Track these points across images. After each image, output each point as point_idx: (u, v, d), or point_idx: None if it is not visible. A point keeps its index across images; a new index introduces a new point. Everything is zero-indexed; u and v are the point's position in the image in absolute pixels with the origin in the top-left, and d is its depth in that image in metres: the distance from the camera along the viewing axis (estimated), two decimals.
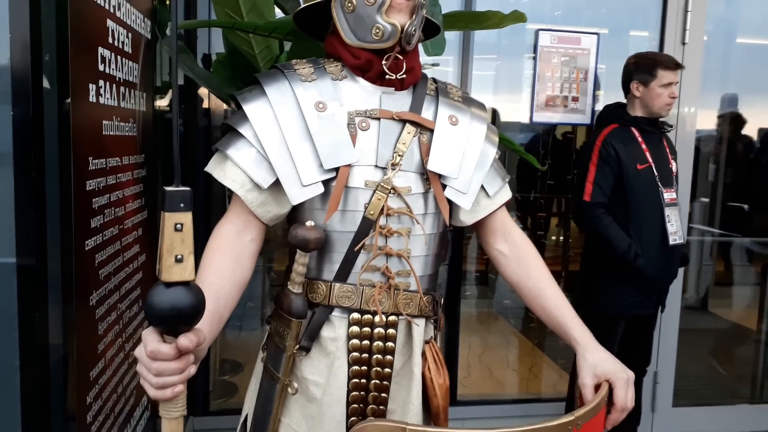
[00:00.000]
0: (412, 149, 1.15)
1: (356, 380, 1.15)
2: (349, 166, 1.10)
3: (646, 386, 2.92)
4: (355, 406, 1.16)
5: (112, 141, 1.49)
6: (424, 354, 1.20)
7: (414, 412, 1.17)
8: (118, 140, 1.53)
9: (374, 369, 1.16)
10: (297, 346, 1.13)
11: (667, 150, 2.44)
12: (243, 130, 1.11)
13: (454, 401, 2.97)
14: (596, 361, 1.12)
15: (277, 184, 1.10)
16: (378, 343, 1.15)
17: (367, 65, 1.15)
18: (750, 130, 3.73)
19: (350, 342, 1.14)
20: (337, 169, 1.09)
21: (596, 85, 2.83)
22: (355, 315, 1.14)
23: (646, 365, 2.62)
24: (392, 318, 1.15)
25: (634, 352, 2.52)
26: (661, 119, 2.44)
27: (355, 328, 1.14)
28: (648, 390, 2.98)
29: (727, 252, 3.98)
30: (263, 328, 1.25)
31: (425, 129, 1.17)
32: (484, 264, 3.88)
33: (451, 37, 2.67)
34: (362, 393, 1.16)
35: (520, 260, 1.28)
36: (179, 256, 0.78)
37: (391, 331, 1.15)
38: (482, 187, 1.24)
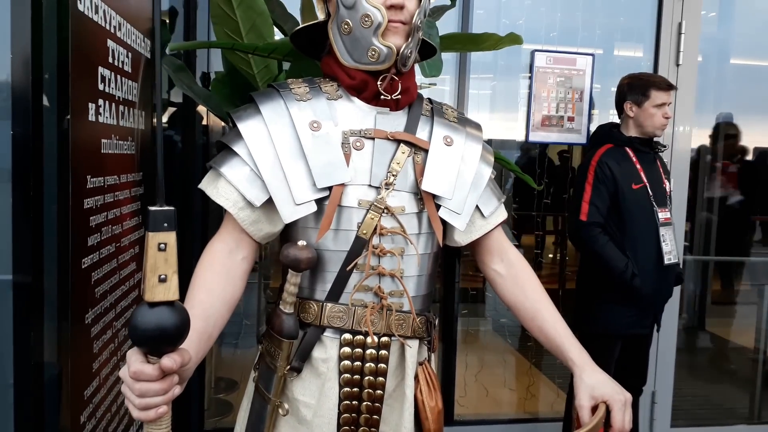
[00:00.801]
0: (407, 169, 1.16)
1: (347, 402, 1.14)
2: (343, 185, 1.11)
3: (643, 406, 2.91)
4: (347, 428, 1.15)
5: (111, 159, 1.50)
6: (417, 376, 1.19)
7: None
8: (116, 158, 1.54)
9: (366, 391, 1.15)
10: (288, 367, 1.13)
11: (661, 170, 2.47)
12: (237, 148, 1.12)
13: (451, 421, 2.96)
14: (594, 383, 1.12)
15: (270, 203, 1.10)
16: (370, 365, 1.14)
17: (363, 86, 1.16)
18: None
19: (342, 363, 1.13)
20: (330, 188, 1.10)
21: (591, 105, 2.86)
22: (347, 336, 1.13)
23: (643, 384, 2.62)
24: (384, 339, 1.14)
25: (630, 371, 2.52)
26: (655, 139, 2.46)
27: (346, 349, 1.13)
28: (646, 410, 2.97)
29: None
30: (259, 346, 1.24)
31: (420, 149, 1.18)
32: (481, 282, 3.88)
33: (448, 56, 2.70)
34: (354, 415, 1.15)
35: (516, 280, 1.28)
36: (163, 276, 0.78)
37: (383, 352, 1.15)
38: (477, 207, 1.24)
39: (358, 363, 1.14)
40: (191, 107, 2.64)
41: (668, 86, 2.38)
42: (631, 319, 2.38)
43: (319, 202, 1.10)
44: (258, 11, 1.78)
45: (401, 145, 1.16)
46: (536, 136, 2.81)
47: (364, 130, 1.15)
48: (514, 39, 1.90)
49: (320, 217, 1.11)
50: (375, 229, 1.11)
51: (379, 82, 1.14)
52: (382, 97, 1.16)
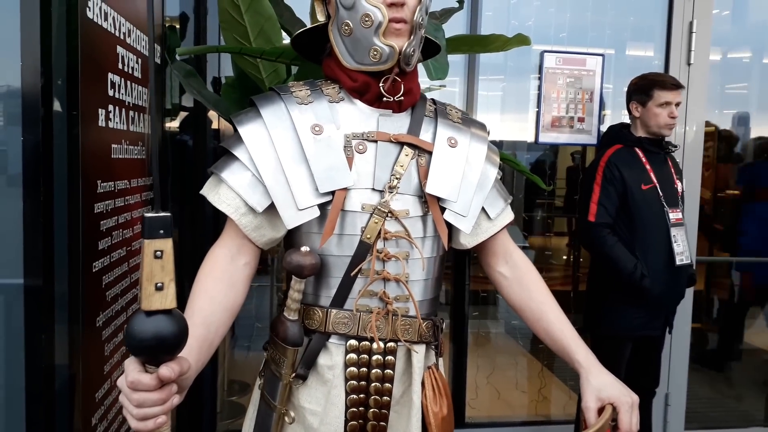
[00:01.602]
0: (410, 172, 1.14)
1: (354, 409, 1.13)
2: (346, 189, 1.09)
3: (657, 409, 2.88)
4: None
5: (121, 164, 1.52)
6: (423, 381, 1.17)
7: None
8: (126, 163, 1.56)
9: (373, 398, 1.13)
10: (293, 375, 1.12)
11: (672, 170, 2.44)
12: (238, 152, 1.11)
13: (462, 424, 2.95)
14: (600, 385, 1.12)
15: (272, 208, 1.09)
16: (376, 371, 1.13)
17: (365, 88, 1.14)
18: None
19: (348, 370, 1.12)
20: (333, 193, 1.09)
21: (602, 106, 2.84)
22: (353, 342, 1.12)
23: (655, 386, 2.59)
24: (391, 345, 1.13)
25: (642, 373, 2.49)
26: (666, 139, 2.44)
27: (352, 356, 1.12)
28: (659, 413, 2.94)
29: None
30: (264, 353, 1.24)
31: (424, 151, 1.16)
32: (490, 284, 3.87)
33: (457, 58, 2.70)
34: (360, 422, 1.13)
35: (522, 282, 1.28)
36: (159, 284, 0.77)
37: (389, 358, 1.13)
38: (483, 209, 1.23)
39: (364, 369, 1.12)
40: (202, 112, 2.67)
41: (673, 85, 2.36)
42: (642, 320, 2.36)
43: (322, 206, 1.09)
44: (266, 16, 1.79)
45: (404, 147, 1.15)
46: (546, 138, 2.80)
47: (366, 133, 1.14)
48: (522, 40, 1.90)
49: (323, 222, 1.10)
50: (379, 233, 1.10)
51: (381, 84, 1.13)
52: (384, 98, 1.14)
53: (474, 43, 1.99)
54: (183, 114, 2.55)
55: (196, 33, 2.43)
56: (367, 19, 1.08)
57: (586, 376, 1.14)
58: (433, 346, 1.22)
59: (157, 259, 0.77)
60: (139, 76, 1.66)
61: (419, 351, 1.16)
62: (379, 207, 1.10)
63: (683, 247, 2.35)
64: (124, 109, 1.52)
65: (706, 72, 2.86)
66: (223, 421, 2.98)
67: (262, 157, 1.09)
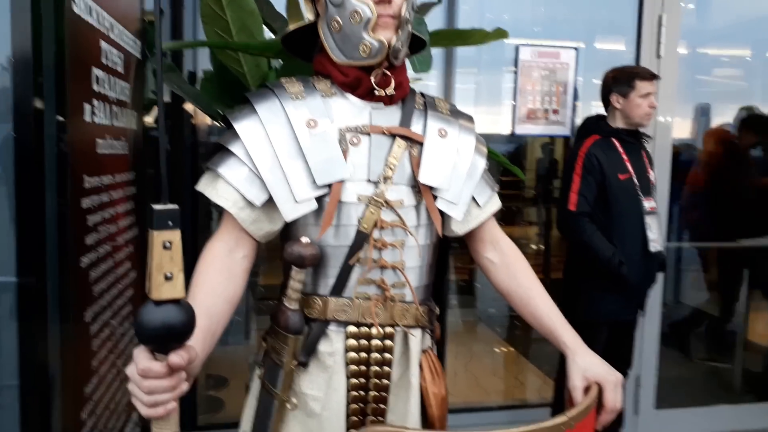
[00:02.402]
0: (403, 163, 1.18)
1: (355, 393, 1.17)
2: (342, 181, 1.12)
3: (628, 389, 2.98)
4: (355, 419, 1.18)
5: (106, 159, 1.50)
6: (421, 364, 1.22)
7: (413, 422, 1.19)
8: (111, 158, 1.55)
9: (372, 381, 1.17)
10: (295, 362, 1.14)
11: (646, 160, 2.51)
12: (234, 148, 1.13)
13: None
14: (586, 365, 1.16)
15: (269, 202, 1.11)
16: (375, 355, 1.17)
17: (356, 82, 1.17)
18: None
19: (348, 355, 1.16)
20: (329, 185, 1.12)
21: (575, 98, 2.91)
22: (352, 328, 1.15)
23: (628, 368, 2.68)
24: (389, 330, 1.17)
25: (616, 356, 2.56)
26: (640, 130, 2.51)
27: (352, 342, 1.16)
28: (630, 393, 3.04)
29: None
30: (248, 342, 1.26)
31: (415, 142, 1.20)
32: (468, 274, 3.93)
33: (434, 52, 2.73)
34: (361, 405, 1.18)
35: (509, 268, 1.32)
36: (169, 274, 0.78)
37: (388, 342, 1.17)
38: (473, 197, 1.27)
39: (363, 354, 1.16)
40: (179, 106, 2.64)
41: (652, 76, 2.43)
42: (618, 306, 2.43)
43: (319, 199, 1.12)
44: (248, 10, 1.79)
45: (397, 139, 1.18)
46: (522, 129, 2.85)
47: (360, 126, 1.16)
48: (500, 33, 1.93)
49: (320, 213, 1.12)
50: (375, 223, 1.13)
51: (372, 78, 1.15)
52: (376, 92, 1.17)
53: (454, 37, 2.02)
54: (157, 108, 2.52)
55: (172, 27, 2.40)
56: (356, 15, 1.10)
57: (572, 357, 1.18)
58: (428, 330, 1.26)
59: (166, 250, 0.78)
60: (122, 71, 1.64)
61: (416, 335, 1.20)
62: (374, 197, 1.13)
63: (656, 235, 2.42)
64: (108, 104, 1.51)
65: (675, 64, 2.94)
66: (202, 414, 2.98)
67: (258, 152, 1.11)
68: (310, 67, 1.35)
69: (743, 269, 3.55)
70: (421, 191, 1.18)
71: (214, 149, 1.19)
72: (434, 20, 2.66)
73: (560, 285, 2.63)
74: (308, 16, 1.21)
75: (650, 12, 2.89)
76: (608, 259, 2.32)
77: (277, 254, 1.24)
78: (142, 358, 0.82)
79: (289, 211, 1.10)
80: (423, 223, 1.20)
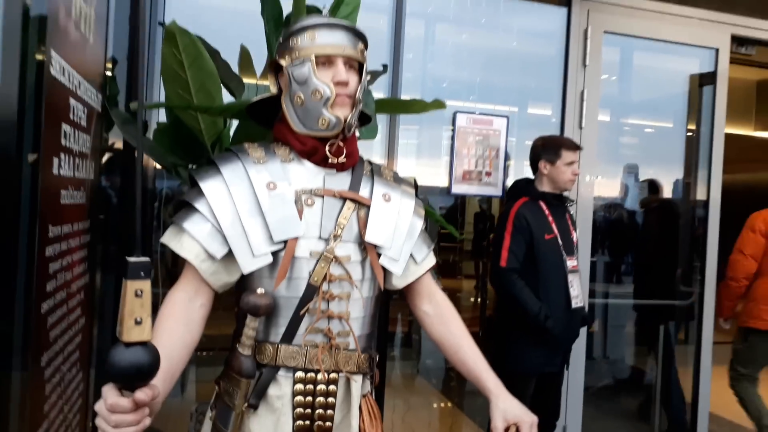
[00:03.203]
0: (352, 223, 1.32)
1: None
2: (296, 238, 1.25)
3: None
4: None
5: (67, 209, 1.58)
6: (360, 408, 1.33)
7: None
8: (71, 208, 1.62)
9: (317, 423, 1.27)
10: (246, 404, 1.24)
11: (569, 222, 2.75)
12: (199, 205, 1.24)
13: None
14: (506, 407, 1.31)
15: (228, 255, 1.23)
16: (320, 399, 1.27)
17: (313, 150, 1.32)
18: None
19: (295, 399, 1.25)
20: (285, 241, 1.24)
21: (507, 157, 3.15)
22: (300, 374, 1.26)
23: (556, 419, 2.84)
24: (333, 375, 1.28)
25: (544, 407, 2.73)
26: (564, 194, 2.76)
27: (299, 386, 1.26)
28: None
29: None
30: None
31: (363, 205, 1.35)
32: (407, 325, 4.05)
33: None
34: None
35: (442, 319, 1.46)
36: (138, 319, 0.88)
37: (332, 387, 1.28)
38: (411, 254, 1.42)
39: (309, 398, 1.26)
40: (130, 154, 2.71)
41: (575, 146, 2.69)
42: (543, 358, 2.61)
43: (274, 253, 1.24)
44: (208, 72, 1.92)
45: (347, 201, 1.32)
46: (458, 189, 3.06)
47: (314, 189, 1.31)
48: (438, 104, 2.14)
49: (275, 267, 1.24)
50: (325, 276, 1.26)
51: (327, 148, 1.31)
52: (330, 160, 1.32)
53: (398, 106, 2.21)
54: (108, 155, 2.59)
55: (128, 84, 2.49)
56: (317, 93, 1.26)
57: (495, 401, 1.32)
58: (368, 377, 1.37)
59: (138, 297, 0.88)
60: (85, 125, 1.73)
61: (357, 381, 1.31)
62: (325, 253, 1.26)
63: (578, 291, 2.64)
64: (72, 157, 1.59)
65: (595, 134, 3.25)
66: None
67: (221, 210, 1.23)
68: (263, 129, 1.49)
69: (659, 325, 3.82)
70: (367, 248, 1.32)
71: (179, 205, 1.31)
72: (380, 85, 2.87)
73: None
74: (272, 89, 1.36)
75: (573, 87, 3.20)
76: (535, 314, 2.50)
77: (220, 305, 1.35)
78: (111, 395, 0.91)
79: (247, 264, 1.22)
80: (367, 277, 1.33)
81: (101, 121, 2.00)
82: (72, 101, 1.58)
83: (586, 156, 3.19)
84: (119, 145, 2.54)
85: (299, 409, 1.25)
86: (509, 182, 3.09)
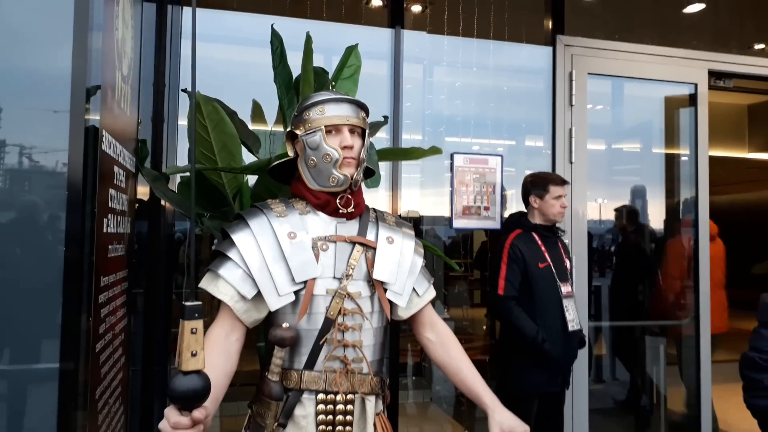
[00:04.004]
0: (361, 263, 1.54)
1: None
2: (315, 279, 1.48)
3: None
4: None
5: (112, 261, 1.81)
6: (375, 424, 1.53)
7: None
8: (115, 260, 1.86)
9: None
10: (276, 423, 1.45)
11: (562, 251, 2.96)
12: (231, 254, 1.48)
13: None
14: (501, 419, 1.51)
15: (257, 296, 1.45)
16: (339, 417, 1.47)
17: (326, 203, 1.56)
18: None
19: (318, 417, 1.46)
20: (305, 282, 1.47)
21: (503, 196, 3.38)
22: (321, 396, 1.47)
23: None
24: (350, 396, 1.48)
25: (547, 426, 2.90)
26: (556, 225, 2.97)
27: (321, 407, 1.47)
28: None
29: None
30: (249, 410, 1.55)
31: (370, 247, 1.57)
32: (419, 355, 4.23)
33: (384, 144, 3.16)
34: None
35: (444, 344, 1.67)
36: (194, 352, 1.08)
37: (349, 407, 1.48)
38: (414, 289, 1.64)
39: (330, 416, 1.46)
40: (156, 205, 2.96)
41: (562, 182, 2.92)
42: (543, 379, 2.79)
43: (296, 292, 1.46)
44: (229, 134, 2.18)
45: (356, 245, 1.55)
46: (459, 223, 3.29)
47: (328, 236, 1.54)
48: (435, 150, 2.39)
49: (297, 304, 1.46)
50: (339, 310, 1.48)
51: (337, 201, 1.55)
52: (340, 210, 1.56)
53: (398, 154, 2.46)
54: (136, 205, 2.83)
55: (153, 152, 2.73)
56: (327, 156, 1.50)
57: (491, 414, 1.53)
58: (381, 397, 1.58)
59: (193, 334, 1.09)
60: (124, 186, 1.98)
61: (371, 400, 1.52)
62: (339, 290, 1.49)
63: (573, 315, 2.83)
64: (115, 216, 1.84)
65: (584, 167, 3.48)
66: None
67: (251, 257, 1.46)
68: (279, 185, 1.71)
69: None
70: (375, 285, 1.54)
71: (213, 255, 1.54)
72: (381, 132, 3.12)
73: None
74: (290, 153, 1.61)
75: (561, 125, 3.45)
76: (533, 337, 2.70)
77: None
78: (173, 415, 1.12)
79: (274, 303, 1.44)
80: (376, 309, 1.55)
81: (135, 180, 2.25)
82: (116, 168, 1.82)
83: (577, 188, 3.41)
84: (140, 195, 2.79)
85: (322, 426, 1.46)
86: (507, 213, 3.31)
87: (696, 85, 3.73)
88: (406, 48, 3.25)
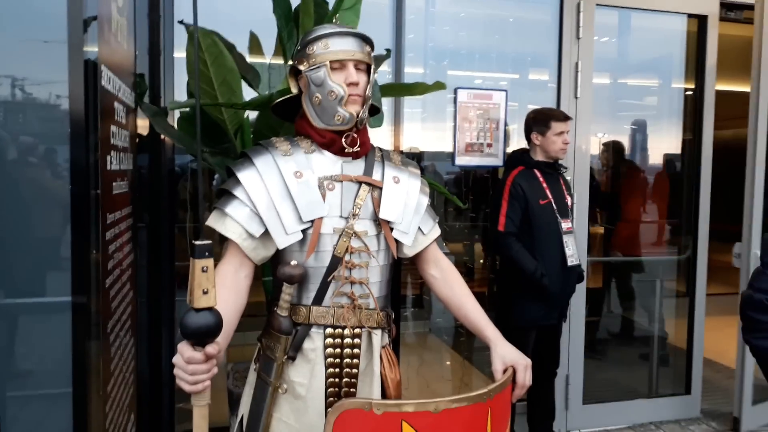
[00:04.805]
0: (367, 202, 1.54)
1: (331, 380, 1.51)
2: (322, 218, 1.48)
3: (559, 387, 3.40)
4: (332, 399, 1.51)
5: (117, 198, 1.82)
6: (381, 357, 1.57)
7: None
8: (119, 197, 1.86)
9: (345, 370, 1.52)
10: (285, 356, 1.49)
11: (564, 187, 2.96)
12: (238, 193, 1.47)
13: None
14: (504, 352, 1.55)
15: (265, 233, 1.46)
16: (347, 350, 1.51)
17: (331, 142, 1.54)
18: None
19: (326, 351, 1.50)
20: (312, 221, 1.47)
21: (506, 133, 3.35)
22: (329, 330, 1.50)
23: (556, 368, 3.10)
24: (357, 330, 1.52)
25: (545, 357, 2.99)
26: (558, 162, 2.96)
27: (329, 340, 1.50)
28: (561, 391, 3.46)
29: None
30: (258, 343, 1.59)
31: (376, 187, 1.57)
32: (419, 288, 4.31)
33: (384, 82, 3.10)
34: (336, 389, 1.52)
35: (447, 281, 1.70)
36: (205, 290, 1.11)
37: (356, 340, 1.52)
38: (419, 227, 1.64)
39: (338, 350, 1.50)
40: (156, 139, 2.93)
41: (565, 117, 2.89)
42: (542, 312, 2.86)
43: (303, 231, 1.47)
44: (228, 68, 2.13)
45: (362, 185, 1.55)
46: (461, 161, 3.27)
47: (334, 175, 1.53)
48: (439, 86, 2.34)
49: (304, 242, 1.47)
50: (346, 248, 1.49)
51: (343, 139, 1.53)
52: (346, 149, 1.54)
53: (401, 90, 2.42)
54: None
55: (150, 84, 2.67)
56: (332, 93, 1.47)
57: (494, 347, 1.57)
58: (386, 331, 1.62)
59: (204, 273, 1.10)
60: (125, 122, 1.96)
61: (377, 334, 1.56)
62: (346, 229, 1.50)
63: (573, 251, 2.87)
64: (118, 152, 1.82)
65: (590, 103, 3.43)
66: (180, 424, 3.23)
67: (257, 196, 1.46)
68: (280, 121, 1.68)
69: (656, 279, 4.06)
70: (381, 224, 1.55)
71: (219, 193, 1.54)
72: (384, 66, 3.05)
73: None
74: (293, 90, 1.57)
75: (567, 58, 3.37)
76: (532, 272, 2.74)
77: None
78: (186, 350, 1.14)
79: (282, 241, 1.45)
80: (382, 248, 1.57)
81: (134, 115, 2.22)
82: (116, 104, 1.80)
83: (581, 124, 3.38)
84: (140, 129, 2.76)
85: (330, 359, 1.50)
86: (510, 149, 3.29)
87: (706, 17, 3.63)
88: None
